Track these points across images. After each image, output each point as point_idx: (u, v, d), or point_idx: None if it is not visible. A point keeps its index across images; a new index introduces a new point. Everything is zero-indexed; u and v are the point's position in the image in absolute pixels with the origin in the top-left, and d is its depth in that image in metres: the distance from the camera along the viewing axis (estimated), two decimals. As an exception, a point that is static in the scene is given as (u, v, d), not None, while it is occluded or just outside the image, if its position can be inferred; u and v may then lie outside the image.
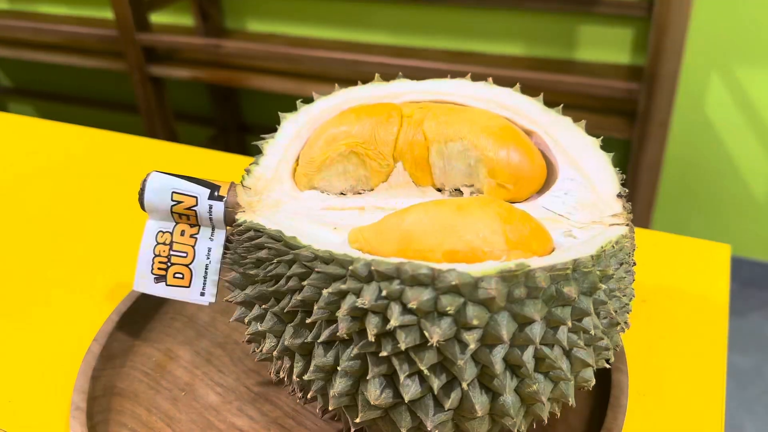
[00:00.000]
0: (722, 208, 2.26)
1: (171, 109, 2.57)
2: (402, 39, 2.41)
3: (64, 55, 2.70)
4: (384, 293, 0.47)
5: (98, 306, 0.82)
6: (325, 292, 0.49)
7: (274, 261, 0.54)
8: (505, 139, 0.60)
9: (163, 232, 0.64)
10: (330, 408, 0.53)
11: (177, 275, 0.64)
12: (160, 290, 0.65)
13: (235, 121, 2.87)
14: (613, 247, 0.50)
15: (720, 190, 2.24)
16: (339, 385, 0.52)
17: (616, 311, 0.51)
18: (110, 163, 1.16)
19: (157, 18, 2.74)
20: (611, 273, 0.49)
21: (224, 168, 1.10)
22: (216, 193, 0.62)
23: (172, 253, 0.64)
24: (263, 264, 0.55)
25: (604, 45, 2.20)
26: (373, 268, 0.47)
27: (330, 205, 0.63)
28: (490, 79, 0.68)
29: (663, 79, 1.82)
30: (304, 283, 0.51)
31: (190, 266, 0.64)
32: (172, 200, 0.62)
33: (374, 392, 0.50)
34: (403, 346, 0.47)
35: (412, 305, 0.45)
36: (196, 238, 0.64)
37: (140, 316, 0.77)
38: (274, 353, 0.56)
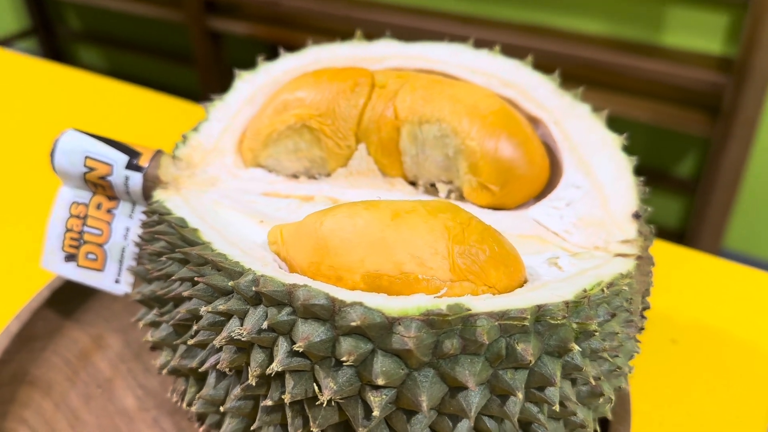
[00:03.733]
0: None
1: (227, 64, 2.49)
2: (468, 5, 2.23)
3: (128, 2, 2.65)
4: (266, 324, 0.34)
5: (30, 278, 0.72)
6: (203, 310, 0.37)
7: (166, 257, 0.42)
8: (495, 126, 0.45)
9: (78, 204, 0.53)
10: (221, 452, 0.42)
11: (89, 256, 0.53)
12: (69, 271, 0.54)
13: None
14: (604, 291, 0.35)
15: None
16: (230, 425, 0.40)
17: (599, 378, 0.36)
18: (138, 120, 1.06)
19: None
20: (593, 329, 0.34)
21: None
22: (135, 162, 0.50)
23: (85, 229, 0.53)
24: (158, 258, 0.44)
25: (694, 31, 1.96)
26: (259, 287, 0.34)
27: (275, 190, 0.50)
28: (498, 47, 0.53)
29: (755, 73, 1.59)
30: (192, 292, 0.39)
31: (104, 247, 0.53)
32: (85, 166, 0.51)
33: (266, 445, 0.38)
34: (287, 398, 0.34)
35: (299, 347, 0.33)
36: (113, 214, 0.52)
37: (77, 293, 0.66)
38: (165, 371, 0.44)
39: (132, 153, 0.50)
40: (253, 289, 0.34)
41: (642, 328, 0.42)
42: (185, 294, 0.38)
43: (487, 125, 0.45)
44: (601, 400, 0.37)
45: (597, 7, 2.10)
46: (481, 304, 0.32)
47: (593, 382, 0.35)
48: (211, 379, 0.40)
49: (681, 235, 2.12)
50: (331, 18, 2.07)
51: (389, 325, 0.32)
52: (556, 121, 0.48)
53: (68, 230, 0.53)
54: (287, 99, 0.50)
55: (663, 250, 0.72)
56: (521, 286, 0.37)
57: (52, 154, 0.51)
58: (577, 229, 0.43)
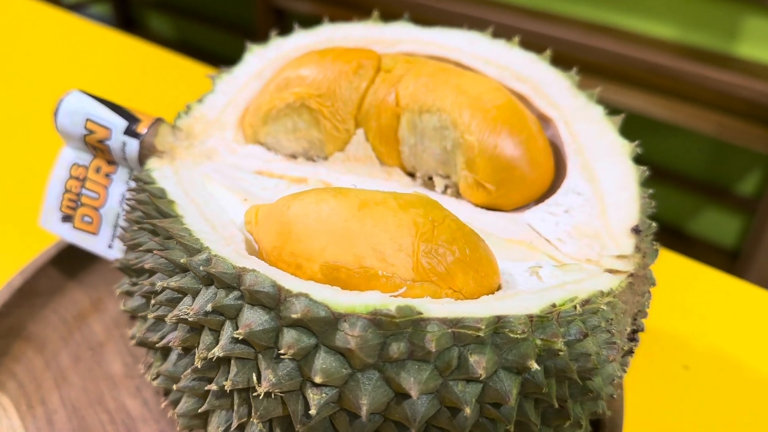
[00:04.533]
0: None
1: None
2: (538, 0, 2.17)
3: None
4: (211, 306, 0.32)
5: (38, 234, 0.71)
6: (158, 284, 0.36)
7: (138, 227, 0.41)
8: (497, 121, 0.42)
9: (78, 165, 0.52)
10: (178, 429, 0.40)
11: (85, 219, 0.53)
12: (65, 232, 0.53)
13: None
14: (576, 308, 0.32)
15: None
16: (185, 404, 0.39)
17: (565, 400, 0.33)
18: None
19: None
20: (558, 347, 0.31)
21: None
22: (133, 128, 0.49)
23: (83, 191, 0.52)
24: (137, 221, 0.43)
25: (772, 42, 1.86)
26: (209, 267, 0.33)
27: (269, 169, 0.49)
28: (517, 38, 0.50)
29: (830, 91, 1.50)
30: (153, 265, 0.38)
31: (100, 211, 0.52)
32: (85, 128, 0.50)
33: (214, 429, 0.36)
34: (228, 385, 0.32)
35: (239, 333, 0.31)
36: (111, 179, 0.52)
37: (84, 253, 0.67)
38: (134, 342, 0.43)
39: (132, 119, 0.50)
40: (202, 269, 0.33)
41: (631, 351, 0.39)
42: (146, 267, 0.37)
43: (489, 120, 0.42)
44: (568, 423, 0.34)
45: (669, 10, 2.02)
46: (436, 308, 0.30)
47: (556, 405, 0.32)
48: (173, 355, 0.39)
49: (736, 254, 2.02)
50: (399, 3, 2.04)
51: (334, 321, 0.30)
52: (566, 121, 0.44)
53: (67, 191, 0.53)
54: (289, 76, 0.48)
55: (677, 270, 0.68)
56: (492, 293, 0.35)
57: (55, 114, 0.51)
58: (571, 239, 0.40)
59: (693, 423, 0.53)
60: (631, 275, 0.37)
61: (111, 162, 0.52)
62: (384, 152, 0.47)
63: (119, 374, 0.56)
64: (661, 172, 2.04)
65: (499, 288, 0.35)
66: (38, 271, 0.63)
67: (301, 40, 0.53)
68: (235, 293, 0.32)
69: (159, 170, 0.46)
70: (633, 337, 0.39)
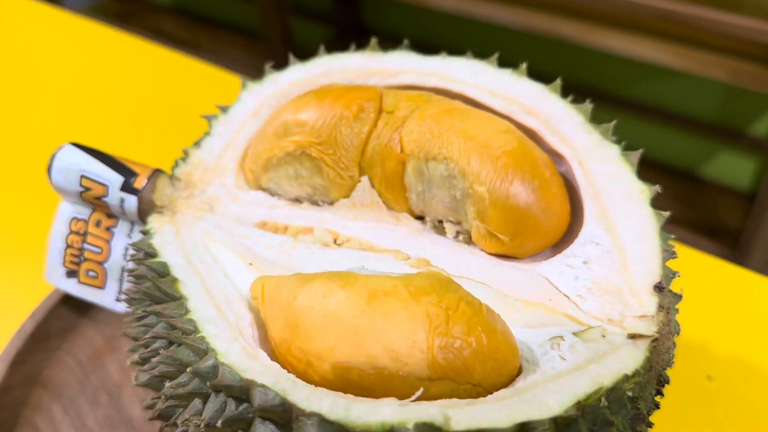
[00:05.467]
0: None
1: (289, 2, 2.42)
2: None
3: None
4: (221, 422, 0.31)
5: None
6: (167, 385, 0.34)
7: (146, 304, 0.40)
8: (507, 169, 0.40)
9: (78, 220, 0.51)
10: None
11: (90, 273, 0.51)
12: (71, 287, 0.52)
13: (356, 23, 2.67)
14: (602, 401, 0.31)
15: None
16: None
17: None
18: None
19: None
20: (584, 448, 0.30)
21: None
22: (131, 184, 0.47)
23: (85, 246, 0.51)
24: (141, 298, 0.41)
25: (785, -22, 1.78)
26: (217, 381, 0.31)
27: (273, 218, 0.47)
28: (524, 65, 0.47)
29: None
30: (161, 359, 0.36)
31: (104, 265, 0.51)
32: (81, 185, 0.48)
33: None
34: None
35: (253, 453, 0.30)
36: (112, 233, 0.50)
37: (94, 288, 0.66)
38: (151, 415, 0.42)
39: (128, 173, 0.48)
40: (209, 383, 0.31)
41: (657, 405, 0.38)
42: (154, 360, 0.36)
43: (499, 168, 0.40)
44: None
45: (677, -50, 1.93)
46: (456, 420, 0.29)
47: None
48: (188, 437, 0.38)
49: (752, 196, 1.99)
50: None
51: (350, 439, 0.28)
52: (580, 161, 0.42)
53: (69, 246, 0.51)
54: (287, 121, 0.46)
55: (697, 269, 0.66)
56: (512, 378, 0.33)
57: (49, 171, 0.49)
58: (592, 295, 0.38)
59: (719, 441, 0.52)
60: (656, 338, 0.35)
61: (111, 215, 0.50)
62: (391, 198, 0.45)
63: (138, 419, 0.56)
64: (673, 116, 1.99)
65: (519, 371, 0.34)
66: (49, 313, 0.62)
67: (296, 74, 0.50)
68: (246, 405, 0.31)
69: (160, 234, 0.44)
70: (659, 391, 0.38)
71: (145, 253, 0.42)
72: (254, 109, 0.50)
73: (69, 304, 0.64)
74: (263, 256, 0.43)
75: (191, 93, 0.96)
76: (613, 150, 0.42)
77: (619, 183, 0.40)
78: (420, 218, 0.46)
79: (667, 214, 0.40)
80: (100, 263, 0.51)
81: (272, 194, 0.48)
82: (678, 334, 0.39)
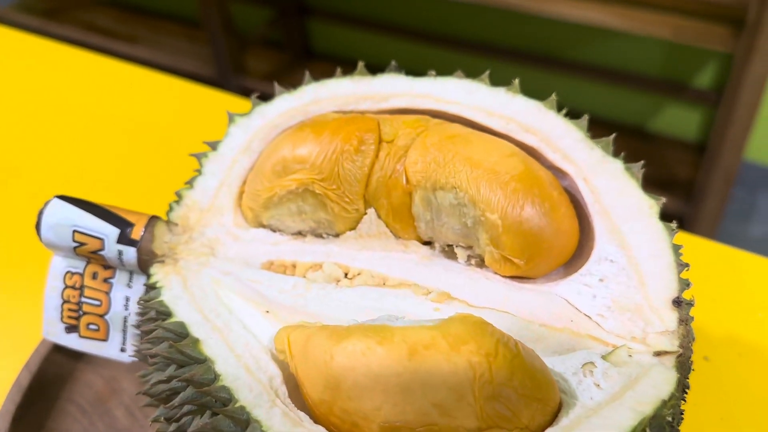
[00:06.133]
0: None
1: (230, -11, 2.36)
2: None
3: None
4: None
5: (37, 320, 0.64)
6: (210, 460, 0.34)
7: (170, 368, 0.39)
8: (517, 194, 0.40)
9: (72, 273, 0.49)
10: None
11: (91, 326, 0.50)
12: (73, 342, 0.51)
13: (296, 2, 2.62)
14: (646, 431, 0.32)
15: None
16: None
17: None
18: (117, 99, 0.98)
19: None
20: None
21: None
22: (127, 235, 0.46)
23: (83, 300, 0.49)
24: (161, 361, 0.40)
25: (718, -70, 1.81)
26: (267, 451, 0.31)
27: (279, 255, 0.46)
28: (517, 81, 0.47)
29: (784, -15, 1.48)
30: (204, 423, 0.35)
31: (106, 317, 0.49)
32: (74, 241, 0.46)
33: None
34: None
35: None
36: (110, 284, 0.49)
37: (86, 329, 0.64)
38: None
39: (123, 223, 0.46)
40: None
41: (681, 419, 0.39)
42: (190, 431, 0.35)
43: (509, 194, 0.40)
44: None
45: None
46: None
47: None
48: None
49: (700, 146, 2.05)
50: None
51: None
52: (584, 178, 0.42)
53: (65, 301, 0.49)
54: (286, 158, 0.45)
55: (698, 250, 0.67)
56: (555, 414, 0.34)
57: (37, 228, 0.47)
58: (612, 314, 0.39)
59: (715, 417, 0.54)
60: (680, 353, 0.36)
61: (107, 267, 0.48)
62: (399, 228, 0.44)
63: (153, 462, 0.55)
64: (619, 75, 2.02)
65: (559, 405, 0.34)
66: (44, 361, 0.60)
67: (285, 104, 0.49)
68: (299, 477, 0.30)
69: (168, 288, 0.43)
70: (683, 398, 0.39)
71: (156, 312, 0.41)
72: (245, 143, 0.49)
73: (63, 349, 0.62)
74: (278, 302, 0.42)
75: (129, 100, 0.92)
76: (617, 165, 0.42)
77: (626, 198, 0.41)
78: (428, 243, 0.45)
79: (674, 226, 0.40)
80: (101, 315, 0.49)
81: (274, 230, 0.47)
82: (694, 340, 0.40)
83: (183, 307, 0.41)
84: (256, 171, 0.47)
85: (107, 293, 0.49)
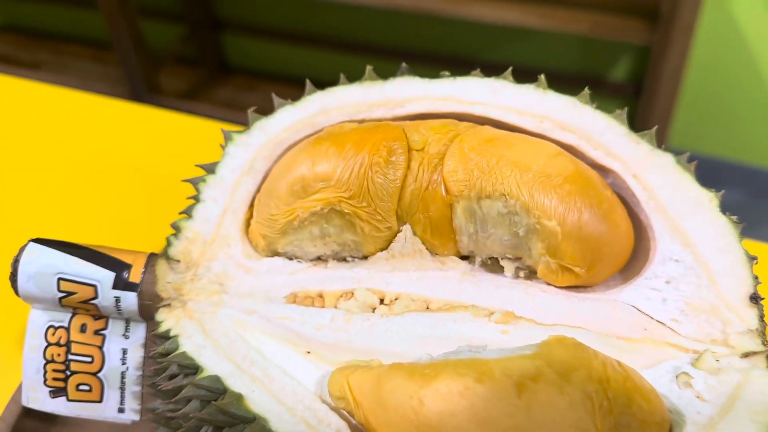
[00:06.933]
0: (745, 116, 2.01)
1: (135, 4, 2.23)
2: None
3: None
4: None
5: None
6: None
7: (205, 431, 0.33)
8: (573, 197, 0.36)
9: (56, 328, 0.42)
10: None
11: (82, 387, 0.42)
12: (60, 408, 0.43)
13: (209, 17, 2.52)
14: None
15: (743, 97, 1.99)
16: None
17: None
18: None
19: None
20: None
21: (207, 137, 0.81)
22: (125, 278, 0.39)
23: (70, 357, 0.42)
24: (196, 424, 0.34)
25: (623, -71, 1.86)
26: None
27: (303, 286, 0.40)
28: (542, 76, 0.43)
29: (693, -23, 1.53)
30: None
31: (99, 375, 0.42)
32: (60, 290, 0.39)
33: None
34: None
35: None
36: (103, 336, 0.42)
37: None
38: None
39: (118, 266, 0.39)
40: None
41: None
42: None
43: (564, 197, 0.36)
44: None
45: None
46: None
47: None
48: None
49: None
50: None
51: None
52: (635, 174, 0.39)
53: (49, 361, 0.42)
54: (306, 176, 0.39)
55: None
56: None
57: (13, 279, 0.40)
58: (686, 317, 0.36)
59: None
60: (769, 354, 0.34)
61: (97, 317, 0.41)
62: (438, 244, 0.40)
63: None
64: (537, 73, 2.05)
65: (671, 428, 0.31)
66: (18, 419, 0.52)
67: (289, 118, 0.44)
68: None
69: (186, 337, 0.36)
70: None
71: (179, 366, 0.35)
72: (247, 163, 0.43)
73: (32, 414, 0.54)
74: (318, 339, 0.37)
75: (54, 123, 0.83)
76: (668, 159, 0.39)
77: (683, 193, 0.38)
78: (465, 258, 0.41)
79: (736, 218, 0.38)
80: (94, 374, 0.42)
81: (290, 258, 0.42)
82: None
83: (210, 358, 0.35)
84: (268, 193, 0.41)
85: (100, 347, 0.42)
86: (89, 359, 0.42)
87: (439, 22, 2.01)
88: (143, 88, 2.23)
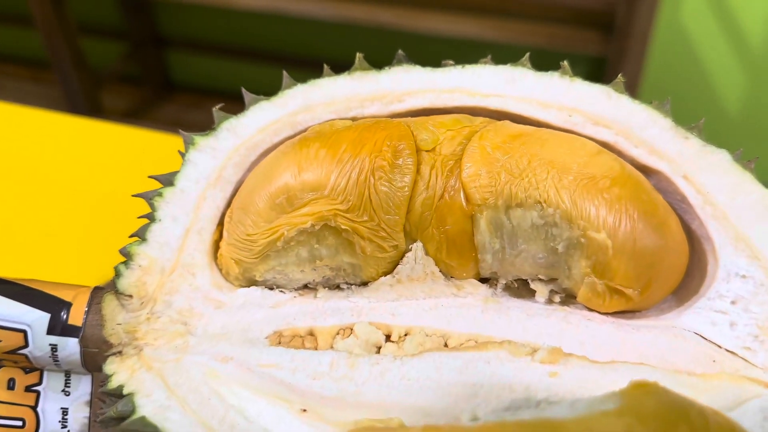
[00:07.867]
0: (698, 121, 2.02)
1: (74, 21, 2.11)
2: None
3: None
4: None
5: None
6: None
7: None
8: (622, 202, 0.30)
9: (-28, 386, 0.32)
10: None
11: (9, 459, 0.33)
12: (-21, 486, 0.34)
13: (151, 33, 2.40)
14: None
15: (696, 103, 2.00)
16: None
17: None
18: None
19: None
20: None
21: (152, 150, 0.72)
22: (63, 319, 0.30)
23: (-7, 422, 0.33)
24: None
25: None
26: None
27: (290, 322, 0.32)
28: (566, 62, 0.37)
29: (648, -13, 1.53)
30: None
31: (32, 443, 0.33)
32: (-23, 338, 0.30)
33: None
34: None
35: None
36: (37, 393, 0.33)
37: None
38: None
39: (55, 305, 0.31)
40: None
41: None
42: None
43: (614, 204, 0.30)
44: None
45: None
46: None
47: None
48: None
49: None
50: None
51: None
52: (685, 175, 0.33)
53: (-35, 428, 0.32)
54: (291, 186, 0.31)
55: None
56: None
57: None
58: (761, 344, 0.29)
59: None
60: None
61: (30, 369, 0.32)
62: (456, 265, 0.32)
63: None
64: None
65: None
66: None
67: (264, 116, 0.36)
68: None
69: (145, 396, 0.28)
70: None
71: (138, 435, 0.26)
72: (214, 172, 0.35)
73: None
74: (316, 393, 0.29)
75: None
76: (723, 156, 0.33)
77: (745, 196, 0.32)
78: (485, 280, 0.34)
79: (809, 223, 0.31)
80: (25, 441, 0.33)
81: (270, 287, 0.34)
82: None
83: (178, 423, 0.27)
84: (242, 208, 0.33)
85: (33, 408, 0.32)
86: (19, 423, 0.33)
87: (394, 36, 1.95)
88: (84, 108, 2.12)
